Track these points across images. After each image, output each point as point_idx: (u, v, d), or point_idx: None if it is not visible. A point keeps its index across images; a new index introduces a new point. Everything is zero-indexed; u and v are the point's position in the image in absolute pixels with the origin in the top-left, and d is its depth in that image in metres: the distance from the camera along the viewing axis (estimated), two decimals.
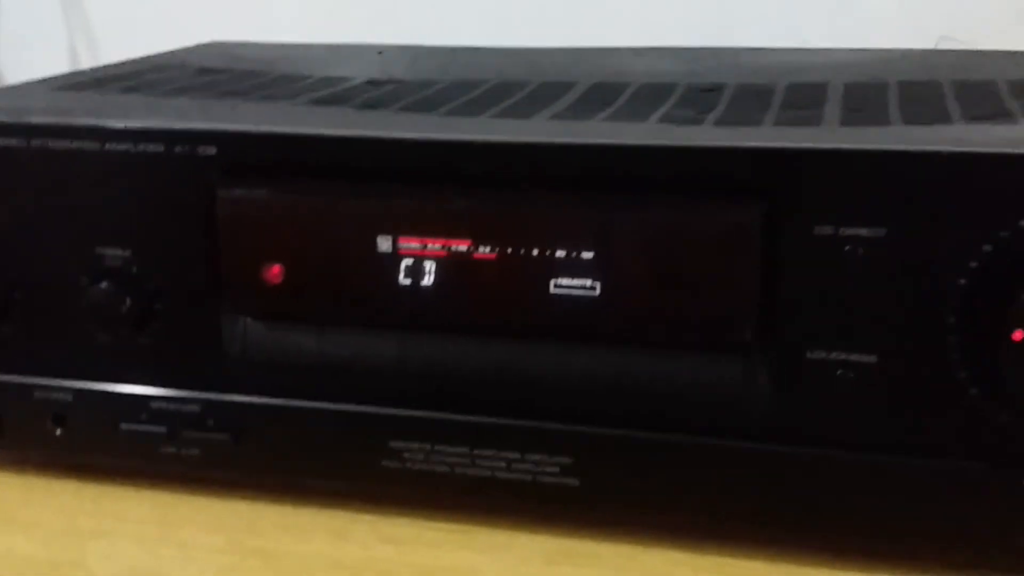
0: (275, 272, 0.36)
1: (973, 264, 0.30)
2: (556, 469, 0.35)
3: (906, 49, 0.55)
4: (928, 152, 0.30)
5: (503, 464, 0.36)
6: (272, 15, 0.74)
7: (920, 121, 0.36)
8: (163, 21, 0.74)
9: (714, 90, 0.43)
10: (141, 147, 0.36)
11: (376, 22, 0.71)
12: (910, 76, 0.45)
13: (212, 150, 0.35)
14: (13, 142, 0.37)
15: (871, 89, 0.42)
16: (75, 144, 0.36)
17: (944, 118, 0.36)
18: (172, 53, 0.58)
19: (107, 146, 0.36)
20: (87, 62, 0.77)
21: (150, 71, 0.51)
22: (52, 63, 0.73)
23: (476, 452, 0.36)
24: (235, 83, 0.47)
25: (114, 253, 0.37)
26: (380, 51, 0.58)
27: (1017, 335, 0.30)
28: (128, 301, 0.37)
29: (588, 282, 0.33)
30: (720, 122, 0.37)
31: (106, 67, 0.54)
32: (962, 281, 0.30)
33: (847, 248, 0.31)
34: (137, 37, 0.68)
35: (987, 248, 0.30)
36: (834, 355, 0.32)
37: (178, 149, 0.36)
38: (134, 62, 0.54)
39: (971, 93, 0.41)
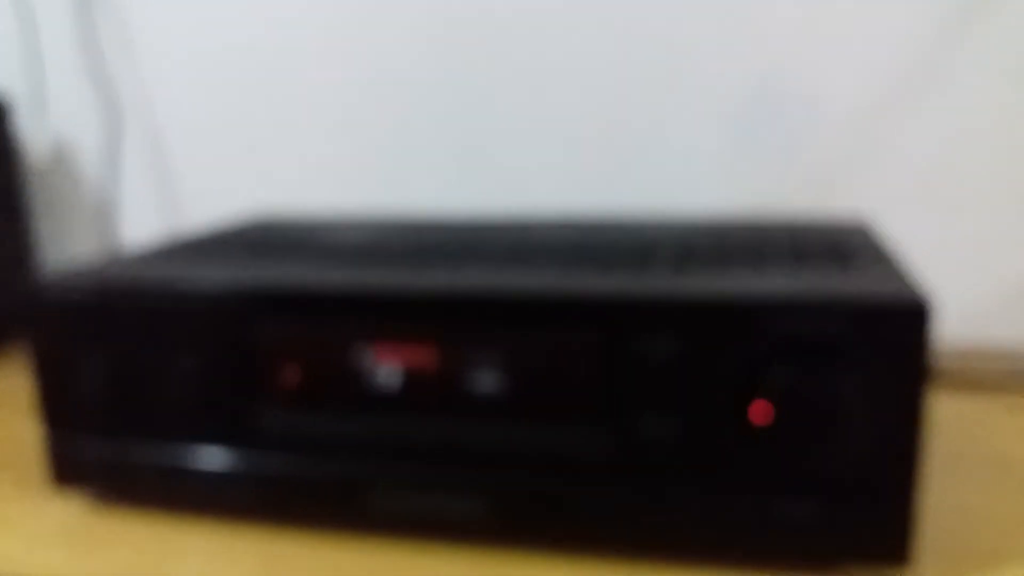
0: (294, 374, 0.45)
1: (732, 365, 0.39)
2: (480, 507, 0.43)
3: (735, 216, 0.65)
4: (697, 297, 0.39)
5: (444, 504, 0.44)
6: (296, 187, 0.87)
7: (710, 270, 0.44)
8: (238, 198, 0.88)
9: (592, 248, 0.51)
10: (204, 294, 0.45)
11: (373, 190, 0.85)
12: (728, 235, 0.54)
13: (249, 295, 0.45)
14: (126, 293, 0.47)
15: (691, 247, 0.51)
16: (163, 294, 0.46)
17: (726, 267, 0.44)
18: (233, 221, 0.68)
19: (184, 294, 0.46)
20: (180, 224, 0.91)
21: (215, 238, 0.60)
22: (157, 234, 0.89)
23: (427, 496, 0.44)
24: (271, 246, 0.56)
25: (187, 362, 0.46)
26: (378, 222, 0.67)
27: (756, 410, 0.39)
28: (195, 394, 0.46)
29: (498, 380, 0.42)
30: (595, 272, 0.44)
31: (183, 238, 0.62)
32: (726, 376, 0.39)
33: (655, 356, 0.40)
34: (222, 211, 0.83)
35: (740, 355, 0.38)
36: (651, 424, 0.40)
37: (227, 295, 0.45)
38: (201, 234, 0.63)
39: (760, 249, 0.49)
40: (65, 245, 0.95)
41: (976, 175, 0.72)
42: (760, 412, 0.39)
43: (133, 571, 0.44)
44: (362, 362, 0.44)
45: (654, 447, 0.41)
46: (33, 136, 0.89)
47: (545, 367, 0.42)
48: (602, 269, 0.46)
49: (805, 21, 0.73)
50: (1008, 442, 0.56)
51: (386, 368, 0.44)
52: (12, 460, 0.56)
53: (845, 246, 0.50)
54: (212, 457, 0.47)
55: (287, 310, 0.45)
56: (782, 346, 0.38)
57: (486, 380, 0.43)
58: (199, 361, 0.46)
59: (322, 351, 0.45)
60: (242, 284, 0.45)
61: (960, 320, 0.73)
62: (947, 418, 0.59)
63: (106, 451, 0.49)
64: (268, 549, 0.46)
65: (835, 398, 0.38)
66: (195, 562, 0.45)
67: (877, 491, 0.39)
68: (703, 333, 0.39)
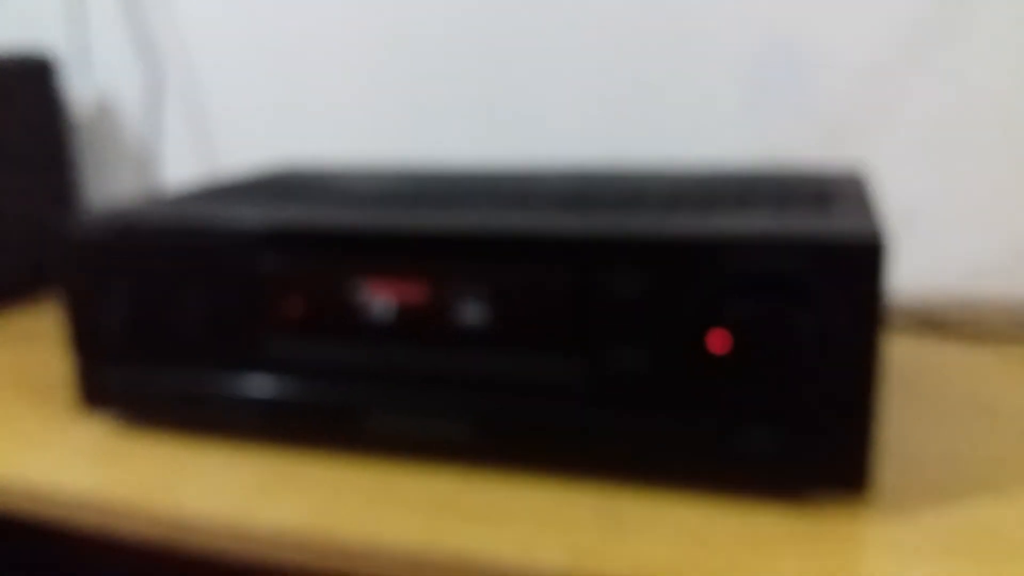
0: (296, 308, 0.47)
1: (697, 300, 0.40)
2: (465, 428, 0.46)
3: (735, 166, 0.65)
4: (665, 235, 0.40)
5: (433, 425, 0.46)
6: (324, 140, 0.89)
7: (693, 214, 0.45)
8: (274, 148, 0.91)
9: (586, 194, 0.53)
10: (216, 232, 0.48)
11: (398, 144, 0.87)
12: (720, 183, 0.55)
13: (256, 234, 0.47)
14: (147, 232, 0.50)
15: (682, 193, 0.52)
16: (180, 232, 0.49)
17: (710, 211, 0.45)
18: (259, 170, 0.71)
19: (196, 232, 0.48)
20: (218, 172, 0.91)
21: (243, 185, 0.63)
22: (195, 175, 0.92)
23: (418, 418, 0.46)
24: (290, 192, 0.59)
25: (202, 296, 0.49)
26: (394, 170, 0.70)
27: (716, 342, 0.40)
28: (208, 326, 0.49)
29: (482, 313, 0.44)
30: (578, 215, 0.45)
31: (217, 182, 0.65)
32: (691, 310, 0.40)
33: (625, 291, 0.41)
34: (248, 156, 0.86)
35: (704, 290, 0.40)
36: (622, 354, 0.42)
37: (236, 234, 0.48)
38: (236, 178, 0.66)
39: (750, 194, 0.50)
40: (110, 195, 0.99)
41: (982, 133, 0.72)
42: (720, 343, 0.40)
43: (152, 485, 0.48)
44: (358, 295, 0.47)
45: (623, 375, 0.43)
46: (79, 91, 0.93)
47: (524, 301, 0.44)
48: (587, 211, 0.47)
49: None
50: (998, 389, 0.56)
51: (380, 301, 0.46)
52: (45, 387, 0.61)
53: (829, 193, 0.51)
54: (223, 382, 0.51)
55: (290, 247, 0.48)
56: (741, 281, 0.40)
57: (471, 312, 0.45)
58: (211, 294, 0.50)
59: (322, 285, 0.47)
60: (250, 223, 0.48)
61: (961, 274, 0.73)
62: (944, 366, 0.61)
63: (128, 378, 0.53)
64: (273, 466, 0.49)
65: (792, 331, 0.39)
66: (208, 477, 0.48)
67: (834, 421, 0.40)
68: (666, 269, 0.41)
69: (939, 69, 0.71)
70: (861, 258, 0.38)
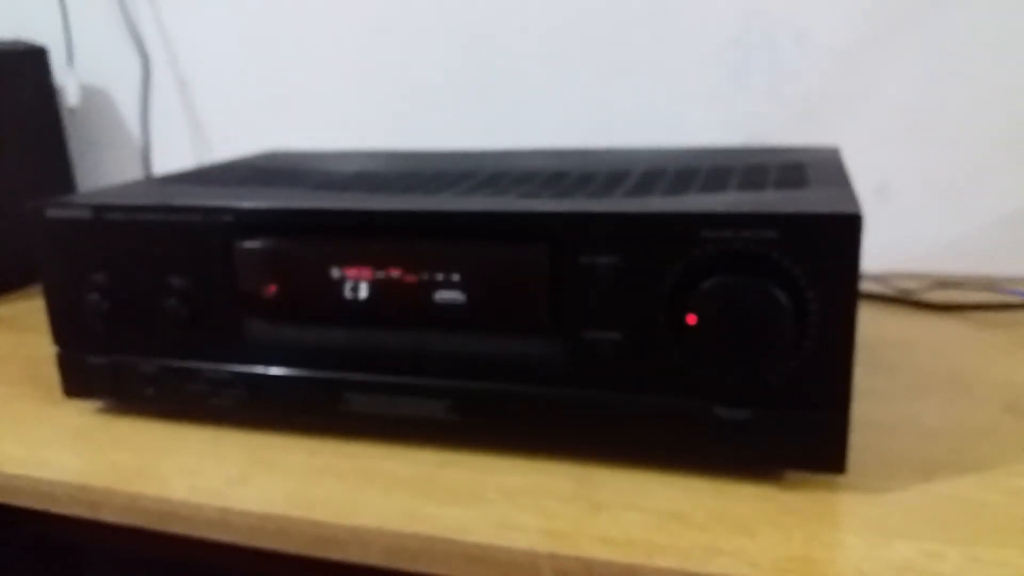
0: (271, 290, 0.46)
1: (670, 277, 0.39)
2: (442, 408, 0.45)
3: (713, 146, 0.64)
4: (637, 213, 0.39)
5: (410, 406, 0.45)
6: (313, 131, 0.87)
7: (668, 193, 0.44)
8: (251, 135, 0.89)
9: (562, 175, 0.52)
10: (189, 216, 0.47)
11: (384, 134, 0.85)
12: (698, 163, 0.53)
13: (231, 218, 0.46)
14: (119, 216, 0.48)
15: (660, 173, 0.51)
16: (153, 216, 0.47)
17: (685, 190, 0.45)
18: (244, 158, 0.70)
19: (171, 216, 0.47)
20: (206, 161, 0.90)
21: (224, 170, 0.61)
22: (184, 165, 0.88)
23: (395, 399, 0.45)
24: (270, 177, 0.57)
25: (178, 280, 0.48)
26: (373, 154, 0.68)
27: (690, 319, 0.39)
28: (185, 310, 0.48)
29: (457, 293, 0.43)
30: (553, 195, 0.45)
31: (199, 168, 0.64)
32: (664, 288, 0.39)
33: (598, 269, 0.40)
34: (237, 146, 0.83)
35: (677, 267, 0.39)
36: (596, 333, 0.41)
37: (210, 217, 0.46)
38: (218, 164, 0.65)
39: (726, 174, 0.49)
40: (102, 182, 0.97)
41: (956, 111, 0.71)
42: (694, 320, 0.39)
43: (133, 469, 0.46)
44: (334, 278, 0.45)
45: (597, 355, 0.42)
46: (69, 81, 0.91)
47: (499, 282, 0.43)
48: (563, 191, 0.46)
49: None
50: (973, 362, 0.55)
51: (356, 283, 0.45)
52: (40, 376, 0.59)
53: (804, 171, 0.50)
54: (202, 367, 0.49)
55: (266, 230, 0.46)
56: (714, 257, 0.38)
57: (447, 293, 0.44)
58: (188, 278, 0.48)
59: (298, 267, 0.46)
60: (223, 205, 0.47)
61: (936, 248, 0.72)
62: (920, 340, 0.60)
63: (109, 364, 0.51)
64: (253, 446, 0.48)
65: (766, 306, 0.38)
66: (188, 459, 0.47)
67: (810, 398, 0.39)
68: (639, 247, 0.40)
69: (913, 49, 0.70)
70: (834, 232, 0.37)
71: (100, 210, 0.49)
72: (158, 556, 0.58)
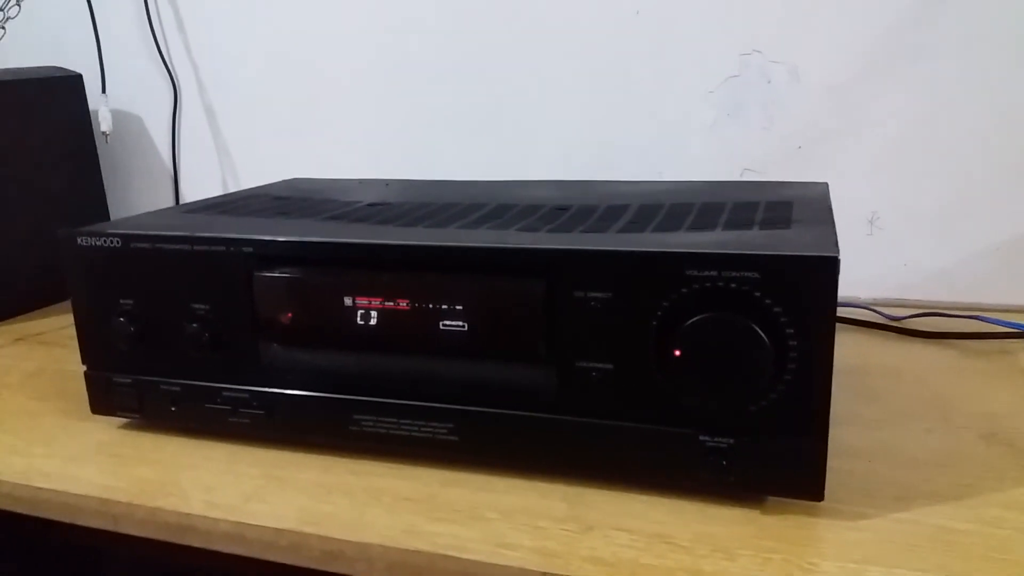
0: (288, 317, 0.48)
1: (658, 313, 0.40)
2: (444, 431, 0.46)
3: (710, 181, 0.65)
4: (629, 252, 0.40)
5: (415, 427, 0.47)
6: (333, 158, 0.89)
7: (661, 229, 0.45)
8: (274, 162, 0.91)
9: (563, 209, 0.53)
10: (212, 247, 0.48)
11: (399, 163, 0.87)
12: (692, 199, 0.54)
13: (251, 249, 0.47)
14: (147, 245, 0.50)
15: (655, 208, 0.52)
16: (178, 246, 0.49)
17: (678, 227, 0.46)
18: (265, 186, 0.71)
19: (196, 247, 0.48)
20: (232, 187, 0.94)
21: (246, 199, 0.63)
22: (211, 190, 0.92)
23: (401, 421, 0.47)
24: (289, 206, 0.59)
25: (200, 306, 0.49)
26: (387, 183, 0.70)
27: (677, 352, 0.40)
28: (207, 335, 0.49)
29: (461, 323, 0.45)
30: (552, 229, 0.47)
31: (223, 196, 0.66)
32: (653, 322, 0.40)
33: (591, 304, 0.41)
34: (268, 175, 0.84)
35: (665, 304, 0.40)
36: (589, 363, 0.42)
37: (232, 249, 0.48)
38: (241, 193, 0.67)
39: (717, 211, 0.50)
40: (134, 208, 1.00)
41: (946, 147, 0.71)
42: (681, 354, 0.40)
43: (154, 483, 0.48)
44: (346, 306, 0.47)
45: (590, 383, 0.43)
46: (103, 107, 0.93)
47: (499, 313, 0.44)
48: (561, 227, 0.48)
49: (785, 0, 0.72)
50: (957, 390, 0.56)
51: (366, 311, 0.46)
52: (68, 391, 0.61)
53: (790, 209, 0.51)
54: (221, 387, 0.51)
55: (282, 262, 0.48)
56: (699, 294, 0.40)
57: (451, 322, 0.45)
58: (210, 305, 0.50)
59: (312, 297, 0.48)
60: (244, 237, 0.48)
61: (924, 276, 0.73)
62: (905, 367, 0.60)
63: (134, 383, 0.53)
64: (268, 463, 0.49)
65: (747, 342, 0.39)
66: (206, 475, 0.49)
67: (789, 429, 0.40)
68: (629, 283, 0.41)
69: (904, 85, 0.71)
70: (812, 273, 0.38)
71: (129, 239, 0.50)
72: (179, 562, 0.59)
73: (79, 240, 0.52)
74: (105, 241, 0.51)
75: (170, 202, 0.96)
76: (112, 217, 0.96)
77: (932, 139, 0.71)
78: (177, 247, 0.49)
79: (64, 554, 0.73)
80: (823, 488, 0.40)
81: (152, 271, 0.50)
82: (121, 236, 0.51)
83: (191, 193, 0.95)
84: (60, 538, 0.69)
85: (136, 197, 0.99)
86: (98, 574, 0.74)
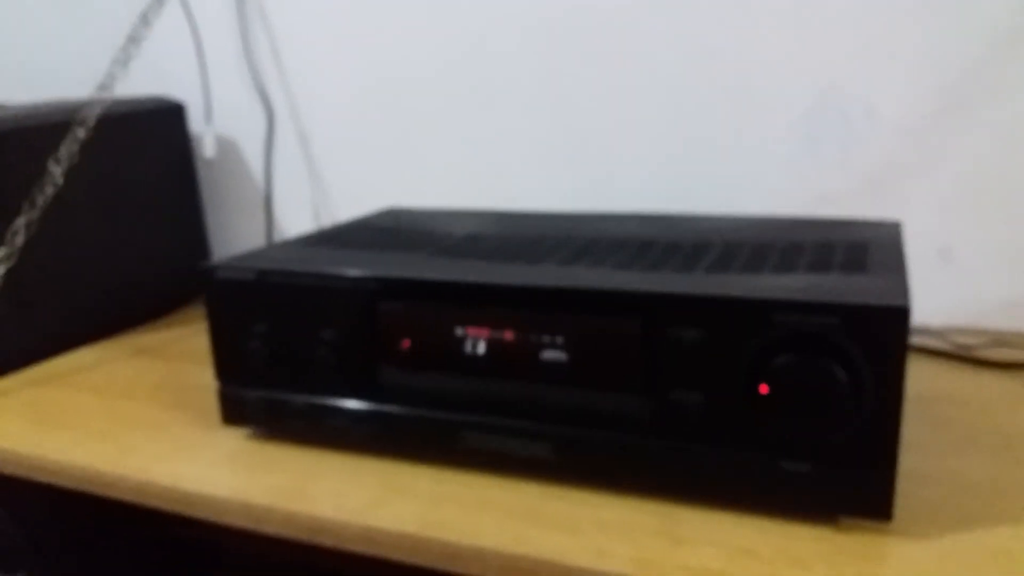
0: (406, 344, 0.54)
1: (746, 351, 0.45)
2: (544, 451, 0.52)
3: (788, 217, 0.70)
4: (720, 297, 0.46)
5: (518, 446, 0.53)
6: (421, 184, 0.96)
7: (745, 270, 0.51)
8: (371, 189, 0.99)
9: (649, 244, 0.59)
10: (339, 283, 0.55)
11: (484, 190, 0.93)
12: (773, 237, 0.60)
13: (374, 284, 0.55)
14: (279, 279, 0.57)
15: (738, 246, 0.57)
16: (308, 280, 0.56)
17: (761, 267, 0.52)
18: (367, 217, 0.78)
19: (324, 282, 0.56)
20: (325, 218, 1.03)
21: (354, 231, 0.70)
22: (304, 219, 1.01)
23: (505, 440, 0.53)
24: (393, 239, 0.66)
25: (327, 333, 0.56)
26: (477, 214, 0.77)
27: (763, 388, 0.46)
28: (333, 357, 0.56)
29: (561, 354, 0.51)
30: (643, 268, 0.52)
31: (334, 228, 0.73)
32: (741, 360, 0.46)
33: (684, 342, 0.47)
34: (357, 200, 0.93)
35: (753, 343, 0.45)
36: (680, 395, 0.48)
37: (357, 284, 0.55)
38: (342, 226, 0.73)
39: (797, 251, 0.55)
40: (229, 229, 1.09)
41: (1019, 182, 0.75)
42: (765, 389, 0.46)
43: (282, 489, 0.55)
44: (457, 336, 0.53)
45: (682, 412, 0.49)
46: (207, 134, 1.01)
47: (598, 346, 0.50)
48: (651, 266, 0.54)
49: (863, 38, 0.77)
50: (1021, 417, 0.60)
51: (476, 341, 0.53)
52: (191, 402, 0.69)
53: (866, 252, 0.56)
54: (345, 404, 0.58)
55: (402, 296, 0.55)
56: (783, 336, 0.46)
57: (552, 354, 0.51)
58: (336, 331, 0.57)
59: (428, 326, 0.54)
60: (370, 275, 0.56)
61: (995, 307, 0.77)
62: (974, 397, 0.65)
63: (264, 398, 0.60)
64: (385, 473, 0.56)
65: (826, 381, 0.45)
66: (331, 483, 0.55)
67: (862, 459, 0.46)
68: (719, 324, 0.47)
69: (977, 122, 0.75)
70: (886, 321, 0.44)
71: (263, 274, 0.58)
72: (285, 558, 0.67)
73: (218, 274, 0.59)
74: (241, 275, 0.59)
75: (262, 224, 1.04)
76: (211, 239, 1.04)
77: (1005, 175, 0.74)
78: (307, 281, 0.57)
79: (182, 547, 0.82)
80: (892, 509, 0.45)
81: (284, 301, 0.58)
82: (256, 270, 0.58)
83: (282, 213, 1.03)
84: (175, 532, 0.78)
85: (229, 218, 1.07)
86: (215, 567, 0.83)
